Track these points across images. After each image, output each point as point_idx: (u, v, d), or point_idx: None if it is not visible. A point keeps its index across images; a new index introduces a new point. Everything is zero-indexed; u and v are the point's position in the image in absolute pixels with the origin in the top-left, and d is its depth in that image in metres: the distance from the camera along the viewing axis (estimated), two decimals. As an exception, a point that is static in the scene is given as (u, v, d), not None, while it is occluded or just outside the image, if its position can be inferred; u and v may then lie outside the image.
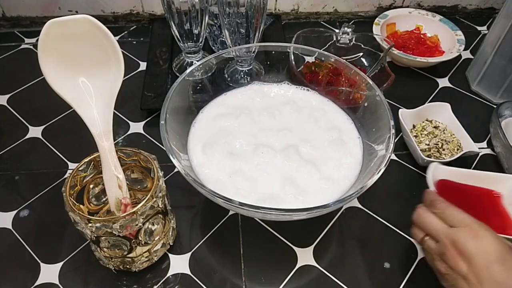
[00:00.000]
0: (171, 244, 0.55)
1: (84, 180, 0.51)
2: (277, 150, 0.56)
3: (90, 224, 0.44)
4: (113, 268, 0.53)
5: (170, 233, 0.55)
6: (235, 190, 0.53)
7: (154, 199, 0.47)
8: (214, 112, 0.63)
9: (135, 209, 0.45)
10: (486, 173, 0.60)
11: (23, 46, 0.87)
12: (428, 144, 0.67)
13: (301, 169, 0.54)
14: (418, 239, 0.49)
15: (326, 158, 0.56)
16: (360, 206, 0.62)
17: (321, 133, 0.59)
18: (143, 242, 0.50)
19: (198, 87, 0.63)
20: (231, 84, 0.67)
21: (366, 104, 0.60)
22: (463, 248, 0.42)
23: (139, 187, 0.55)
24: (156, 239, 0.52)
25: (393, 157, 0.68)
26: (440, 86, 0.81)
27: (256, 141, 0.58)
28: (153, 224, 0.50)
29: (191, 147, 0.58)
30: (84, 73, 0.44)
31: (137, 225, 0.46)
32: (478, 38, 0.93)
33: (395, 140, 0.52)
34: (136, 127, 0.72)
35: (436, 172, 0.59)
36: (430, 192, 0.51)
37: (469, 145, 0.66)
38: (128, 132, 0.71)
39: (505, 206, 0.58)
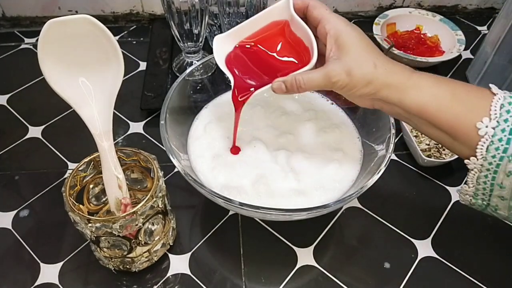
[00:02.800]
0: (171, 244, 0.55)
1: (84, 180, 0.51)
2: (270, 149, 0.56)
3: (90, 224, 0.44)
4: (113, 268, 0.53)
5: (170, 233, 0.55)
6: (209, 170, 0.55)
7: (154, 199, 0.47)
8: None
9: (135, 209, 0.45)
10: (260, 13, 0.50)
11: (23, 46, 0.87)
12: (429, 144, 0.67)
13: (281, 173, 0.54)
14: None
15: (312, 174, 0.54)
16: (360, 206, 0.62)
17: (323, 150, 0.57)
18: (143, 242, 0.50)
19: (198, 87, 0.63)
20: (231, 84, 0.67)
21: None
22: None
23: (139, 187, 0.55)
24: (156, 239, 0.52)
25: (393, 157, 0.68)
26: (440, 86, 0.81)
27: (256, 134, 0.58)
28: (153, 224, 0.50)
29: (197, 122, 0.61)
30: (84, 73, 0.44)
31: (137, 225, 0.46)
32: (478, 38, 0.93)
33: (395, 140, 0.52)
34: (136, 127, 0.72)
35: (220, 49, 0.50)
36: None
37: (469, 145, 0.66)
38: (128, 132, 0.71)
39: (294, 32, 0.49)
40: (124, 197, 0.48)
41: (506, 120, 0.38)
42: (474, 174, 0.41)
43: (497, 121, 0.39)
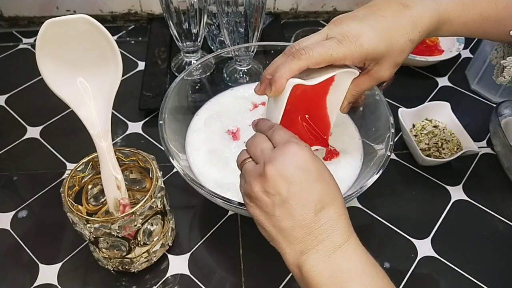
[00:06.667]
0: (170, 244, 0.55)
1: (83, 181, 0.51)
2: None
3: (88, 225, 0.44)
4: (112, 269, 0.53)
5: (169, 234, 0.54)
6: (203, 164, 0.55)
7: (153, 199, 0.46)
8: (241, 93, 0.64)
9: (133, 209, 0.45)
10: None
11: (21, 46, 0.87)
12: (428, 144, 0.66)
13: None
14: (239, 162, 0.42)
15: None
16: (360, 206, 0.61)
17: (323, 149, 0.56)
18: (142, 243, 0.49)
19: (196, 87, 0.63)
20: (230, 84, 0.67)
21: (365, 104, 0.60)
22: (282, 167, 0.37)
23: (137, 187, 0.55)
24: (155, 239, 0.52)
25: (393, 156, 0.68)
26: (439, 85, 0.81)
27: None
28: (152, 225, 0.50)
29: (197, 117, 0.61)
30: (82, 73, 0.44)
31: (135, 225, 0.46)
32: (477, 37, 0.93)
33: (395, 140, 0.52)
34: (135, 127, 0.72)
35: None
36: (264, 121, 0.46)
37: (469, 144, 0.66)
38: (127, 132, 0.71)
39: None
40: (123, 198, 0.47)
41: None
42: (509, 68, 0.46)
43: None
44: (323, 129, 0.52)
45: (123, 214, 0.45)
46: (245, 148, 0.43)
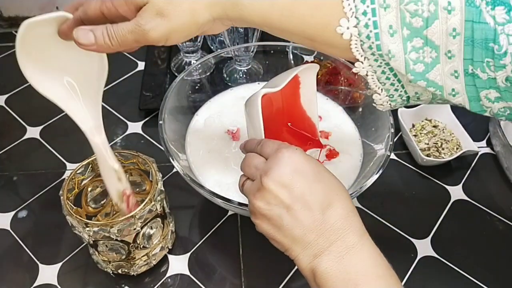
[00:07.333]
0: (169, 247, 0.55)
1: (82, 183, 0.51)
2: None
3: (87, 228, 0.44)
4: (111, 272, 0.52)
5: (169, 237, 0.54)
6: (202, 164, 0.55)
7: (153, 202, 0.46)
8: (240, 93, 0.64)
9: (133, 212, 0.45)
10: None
11: (20, 45, 0.87)
12: (428, 144, 0.66)
13: None
14: (240, 186, 0.42)
15: None
16: (360, 206, 0.61)
17: (322, 149, 0.57)
18: (141, 246, 0.49)
19: (196, 87, 0.63)
20: (229, 84, 0.67)
21: (365, 104, 0.60)
22: (278, 175, 0.36)
23: (137, 190, 0.55)
24: (154, 243, 0.51)
25: (393, 156, 0.68)
26: (439, 85, 0.81)
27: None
28: (151, 228, 0.49)
29: (197, 117, 0.61)
30: (67, 71, 0.42)
31: (135, 229, 0.46)
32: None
33: (395, 140, 0.52)
34: (135, 127, 0.71)
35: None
36: (250, 140, 0.45)
37: (469, 144, 0.66)
38: (127, 132, 0.71)
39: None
40: (126, 188, 0.46)
41: (364, 13, 0.33)
42: (372, 77, 0.37)
43: (356, 17, 0.33)
44: (311, 131, 0.53)
45: (122, 218, 0.44)
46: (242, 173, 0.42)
